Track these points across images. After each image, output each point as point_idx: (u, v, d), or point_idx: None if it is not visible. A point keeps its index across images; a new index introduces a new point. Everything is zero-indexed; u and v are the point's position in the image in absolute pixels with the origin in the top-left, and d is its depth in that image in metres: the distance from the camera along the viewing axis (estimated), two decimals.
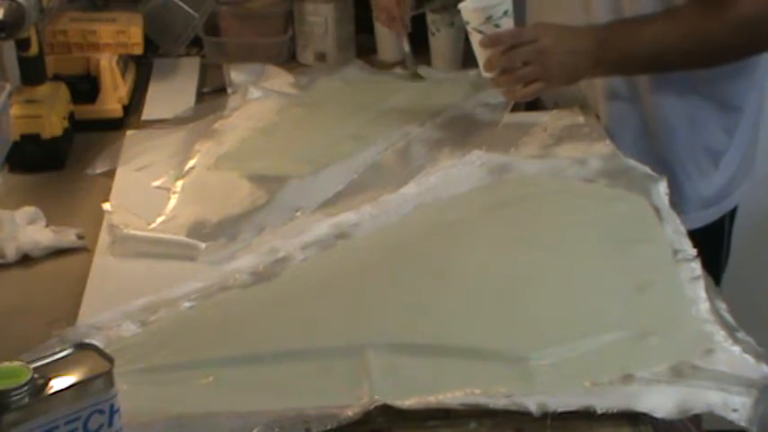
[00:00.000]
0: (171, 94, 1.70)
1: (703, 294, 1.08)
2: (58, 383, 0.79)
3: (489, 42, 1.38)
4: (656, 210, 1.25)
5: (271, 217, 1.29)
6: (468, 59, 1.53)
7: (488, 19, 1.38)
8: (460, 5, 1.41)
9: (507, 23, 1.39)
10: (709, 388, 0.94)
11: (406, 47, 1.73)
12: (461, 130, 1.51)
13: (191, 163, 1.43)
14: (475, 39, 1.40)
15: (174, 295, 1.13)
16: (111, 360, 0.82)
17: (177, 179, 1.39)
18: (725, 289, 1.29)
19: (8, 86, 1.26)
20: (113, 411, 0.81)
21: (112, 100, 1.60)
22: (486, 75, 1.41)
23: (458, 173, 1.36)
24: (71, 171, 1.46)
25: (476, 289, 1.13)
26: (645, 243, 1.19)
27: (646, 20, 1.37)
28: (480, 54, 1.41)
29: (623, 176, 1.32)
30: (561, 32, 1.40)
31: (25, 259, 1.23)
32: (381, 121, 1.55)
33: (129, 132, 1.55)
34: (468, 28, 1.41)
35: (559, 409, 0.92)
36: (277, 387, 0.99)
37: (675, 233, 1.20)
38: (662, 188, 1.28)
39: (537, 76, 1.38)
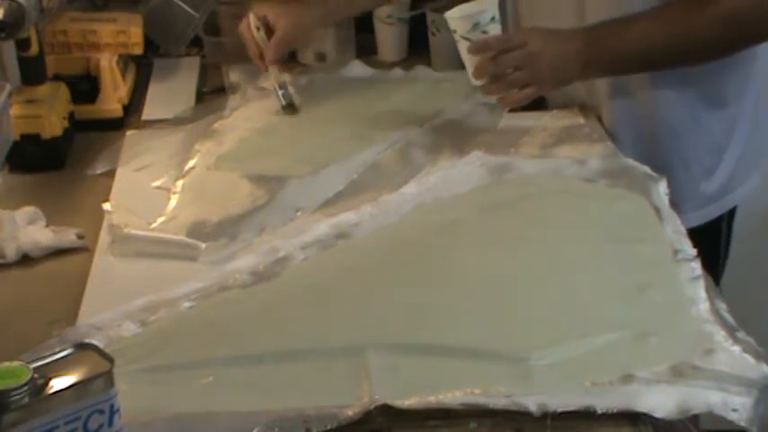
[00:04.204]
0: (171, 94, 1.70)
1: (703, 294, 1.08)
2: (58, 383, 0.79)
3: (477, 49, 1.38)
4: (657, 210, 1.25)
5: (271, 217, 1.29)
6: None
7: (475, 26, 1.37)
8: (446, 14, 1.40)
9: (495, 29, 1.38)
10: (709, 388, 0.94)
11: (276, 93, 1.58)
12: (461, 131, 1.51)
13: (191, 163, 1.43)
14: (463, 46, 1.39)
15: (174, 295, 1.13)
16: (111, 360, 0.82)
17: (177, 179, 1.39)
18: (725, 289, 1.29)
19: (8, 86, 1.26)
20: (113, 411, 0.82)
21: (112, 100, 1.60)
22: (476, 83, 1.40)
23: (458, 173, 1.36)
24: (71, 171, 1.46)
25: (476, 289, 1.13)
26: (645, 243, 1.19)
27: (632, 19, 1.37)
28: (469, 62, 1.40)
29: (623, 176, 1.32)
30: (549, 35, 1.40)
31: (25, 259, 1.23)
32: (381, 121, 1.55)
33: (129, 132, 1.55)
34: (456, 36, 1.40)
35: (559, 409, 0.92)
36: (277, 387, 0.99)
37: (675, 233, 1.20)
38: (662, 188, 1.28)
39: (527, 80, 1.38)
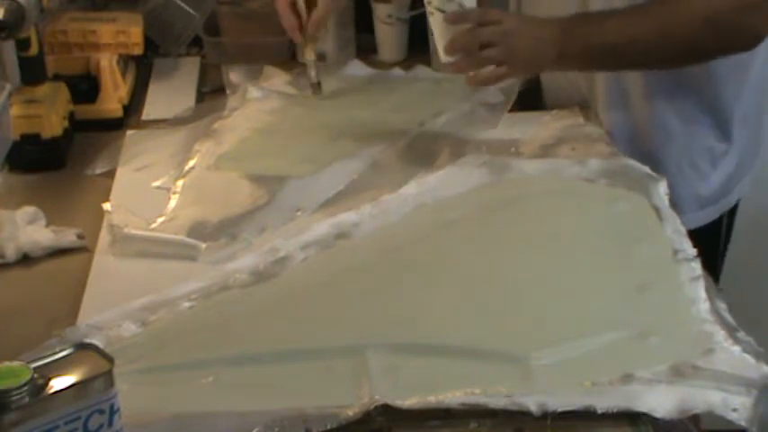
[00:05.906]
0: (171, 94, 1.70)
1: (703, 294, 1.08)
2: (58, 383, 0.79)
3: (455, 19, 1.32)
4: (656, 210, 1.25)
5: (271, 217, 1.29)
6: None
7: None
8: None
9: (471, 2, 1.33)
10: (709, 388, 0.94)
11: (311, 68, 1.59)
12: (461, 130, 1.51)
13: (191, 163, 1.43)
14: (436, 19, 1.33)
15: (174, 295, 1.13)
16: (111, 360, 0.82)
17: (177, 179, 1.39)
18: (724, 289, 1.29)
19: (8, 86, 1.25)
20: (113, 411, 0.82)
21: (112, 100, 1.60)
22: (447, 59, 1.34)
23: (458, 173, 1.36)
24: (71, 171, 1.46)
25: (476, 289, 1.13)
26: (645, 243, 1.19)
27: (613, 12, 1.36)
28: (442, 35, 1.34)
29: (623, 176, 1.32)
30: (526, 18, 1.38)
31: (25, 259, 1.23)
32: (381, 120, 1.54)
33: (129, 132, 1.55)
34: (430, 8, 1.34)
35: (559, 409, 0.92)
36: (277, 387, 0.99)
37: (675, 233, 1.20)
38: (662, 188, 1.28)
39: (501, 58, 1.33)
